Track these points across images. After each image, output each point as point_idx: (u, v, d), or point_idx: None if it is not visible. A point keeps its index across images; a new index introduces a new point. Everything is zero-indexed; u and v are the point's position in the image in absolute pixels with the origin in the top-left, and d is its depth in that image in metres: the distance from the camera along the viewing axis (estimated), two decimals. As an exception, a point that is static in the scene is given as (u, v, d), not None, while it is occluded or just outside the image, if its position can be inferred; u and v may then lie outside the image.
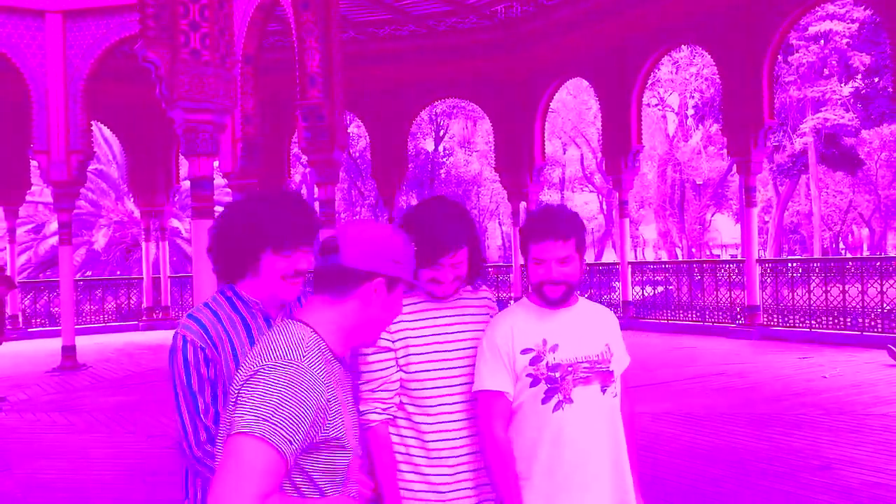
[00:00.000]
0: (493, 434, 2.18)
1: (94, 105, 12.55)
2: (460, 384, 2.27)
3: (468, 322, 2.32)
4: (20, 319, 16.53)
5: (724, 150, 18.30)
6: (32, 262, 25.12)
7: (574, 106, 34.59)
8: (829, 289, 12.45)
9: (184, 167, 16.46)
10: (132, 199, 21.23)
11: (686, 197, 35.14)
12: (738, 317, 13.51)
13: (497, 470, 2.18)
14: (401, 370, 2.25)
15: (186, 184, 16.96)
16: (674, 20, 13.64)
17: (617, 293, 16.18)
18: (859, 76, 27.71)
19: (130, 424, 7.60)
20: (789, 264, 13.97)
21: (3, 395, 9.21)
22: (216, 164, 9.25)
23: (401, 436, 2.26)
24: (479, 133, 37.85)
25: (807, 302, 12.66)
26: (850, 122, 28.25)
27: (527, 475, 2.19)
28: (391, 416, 2.25)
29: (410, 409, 2.26)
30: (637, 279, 15.98)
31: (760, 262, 13.75)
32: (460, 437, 2.26)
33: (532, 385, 2.19)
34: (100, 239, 25.02)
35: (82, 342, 13.03)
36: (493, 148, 19.69)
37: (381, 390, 2.22)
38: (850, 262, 13.83)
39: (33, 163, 13.88)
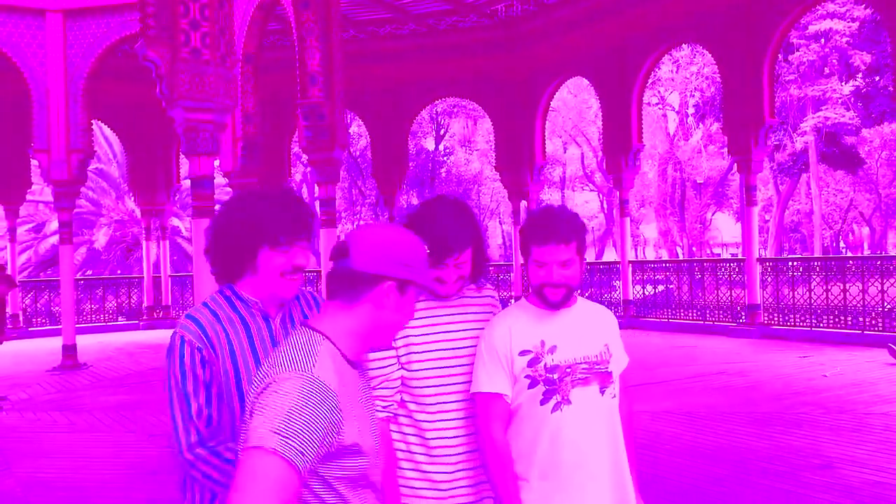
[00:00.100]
0: (491, 436, 2.18)
1: (95, 104, 12.55)
2: (461, 382, 2.27)
3: (471, 321, 2.33)
4: (21, 318, 16.53)
5: (725, 149, 18.27)
6: (33, 261, 25.13)
7: (574, 105, 34.55)
8: (829, 288, 12.44)
9: (184, 166, 16.46)
10: (133, 198, 21.23)
11: (686, 196, 35.12)
12: (739, 316, 13.50)
13: (495, 471, 2.18)
14: (402, 368, 2.25)
15: (187, 183, 16.99)
16: (674, 19, 13.63)
17: (617, 292, 16.18)
18: (860, 75, 27.68)
19: (131, 423, 7.61)
20: (790, 263, 13.96)
21: (3, 395, 9.21)
22: (217, 163, 9.26)
23: (402, 433, 2.27)
24: (479, 132, 37.82)
25: (807, 301, 12.66)
26: (850, 121, 28.24)
27: (525, 476, 2.19)
28: (392, 414, 2.25)
29: (412, 406, 2.27)
30: (637, 278, 15.97)
31: (761, 260, 13.75)
32: (461, 435, 2.26)
33: (530, 386, 2.18)
34: (100, 238, 25.03)
35: (83, 341, 13.04)
36: (493, 147, 19.68)
37: (382, 388, 2.22)
38: (851, 261, 13.83)
39: (34, 162, 13.88)
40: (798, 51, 27.85)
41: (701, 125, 34.25)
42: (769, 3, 12.29)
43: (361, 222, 38.08)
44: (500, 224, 42.38)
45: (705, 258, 28.37)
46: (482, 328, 2.31)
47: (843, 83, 28.24)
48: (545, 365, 2.18)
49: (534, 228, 2.22)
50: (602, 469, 2.19)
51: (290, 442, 1.42)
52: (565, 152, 39.13)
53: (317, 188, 11.27)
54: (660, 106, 35.28)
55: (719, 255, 45.29)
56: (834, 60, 28.09)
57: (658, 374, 9.07)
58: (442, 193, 2.58)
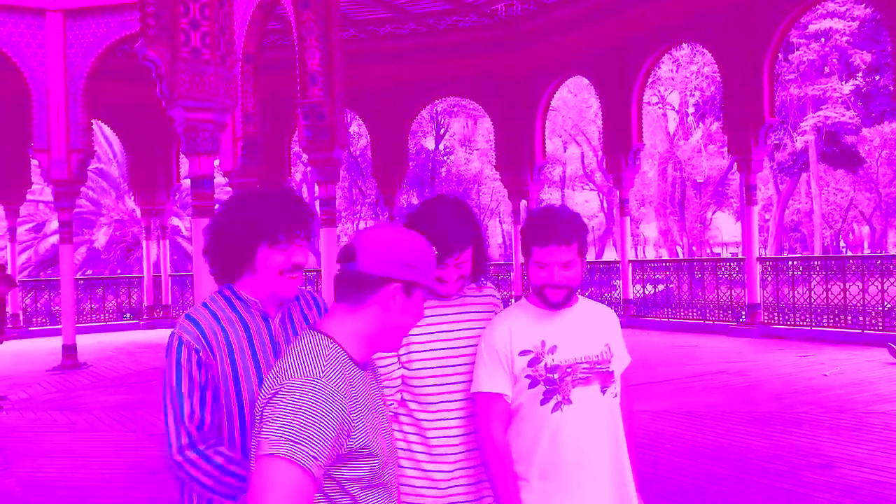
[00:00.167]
0: (491, 436, 2.19)
1: (95, 104, 12.54)
2: (462, 381, 2.28)
3: (471, 320, 2.33)
4: (21, 318, 16.54)
5: (725, 149, 18.26)
6: (33, 260, 25.13)
7: (575, 104, 34.54)
8: (829, 287, 12.45)
9: (184, 166, 16.46)
10: (133, 198, 21.24)
11: (687, 195, 35.11)
12: (739, 315, 13.50)
13: (495, 471, 2.19)
14: (403, 367, 2.26)
15: (187, 182, 16.98)
16: (674, 19, 13.63)
17: (617, 291, 16.18)
18: (860, 74, 27.67)
19: (131, 423, 7.61)
20: (790, 262, 13.95)
21: (3, 394, 9.21)
22: (217, 162, 9.26)
23: (403, 432, 2.27)
24: (479, 131, 37.81)
25: (807, 300, 12.66)
26: (850, 120, 28.22)
27: (526, 476, 2.19)
28: (392, 413, 2.26)
29: (412, 405, 2.27)
30: (638, 277, 15.97)
31: (761, 260, 13.75)
32: (461, 434, 2.27)
33: (531, 386, 2.18)
34: (100, 237, 25.04)
35: (83, 341, 13.04)
36: (493, 146, 19.68)
37: (383, 386, 2.22)
38: (851, 261, 13.83)
39: (34, 161, 13.88)
40: (798, 50, 27.83)
41: (701, 124, 34.24)
42: (769, 3, 12.29)
43: (362, 222, 38.09)
44: (501, 223, 42.38)
45: (705, 257, 28.36)
46: (483, 327, 2.31)
47: (843, 82, 28.24)
48: (545, 365, 2.18)
49: (535, 229, 2.22)
50: (603, 469, 2.19)
51: (303, 448, 1.44)
52: (565, 152, 39.11)
53: (317, 188, 11.27)
54: (660, 105, 35.27)
55: (719, 254, 45.29)
56: (834, 60, 28.07)
57: (658, 373, 9.07)
58: (442, 193, 2.58)
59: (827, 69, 28.60)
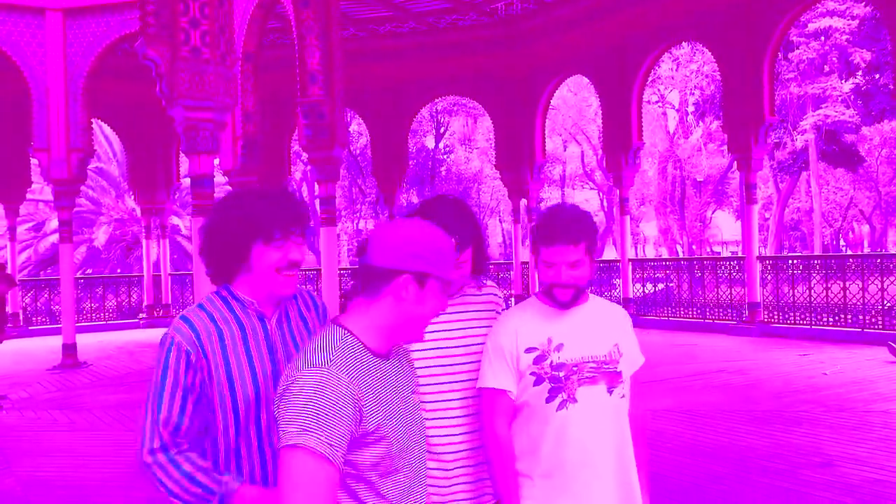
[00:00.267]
0: (494, 431, 2.19)
1: (95, 103, 12.54)
2: (461, 381, 2.27)
3: (470, 319, 2.33)
4: (21, 317, 16.53)
5: (725, 147, 18.27)
6: (33, 259, 25.14)
7: (574, 103, 34.52)
8: (829, 286, 12.45)
9: (184, 165, 16.47)
10: (132, 197, 21.23)
11: (686, 194, 35.11)
12: (739, 314, 13.51)
13: (497, 467, 2.19)
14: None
15: (187, 181, 16.96)
16: (674, 17, 13.62)
17: (617, 290, 16.18)
18: (860, 73, 27.64)
19: (131, 422, 7.60)
20: (790, 261, 13.96)
21: (3, 393, 9.21)
22: (217, 161, 9.26)
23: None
24: (479, 130, 37.81)
25: (807, 299, 12.67)
26: (850, 119, 28.21)
27: (529, 473, 2.20)
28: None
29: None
30: (638, 276, 15.98)
31: (761, 258, 13.76)
32: (461, 433, 2.27)
33: (536, 384, 2.18)
34: (100, 236, 25.04)
35: (83, 340, 13.04)
36: (493, 145, 19.68)
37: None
38: (851, 259, 13.84)
39: (34, 161, 13.89)
40: (798, 49, 27.82)
41: (701, 123, 34.23)
42: (769, 2, 12.29)
43: (361, 221, 38.09)
44: (501, 222, 42.40)
45: (705, 256, 28.36)
46: (483, 326, 2.32)
47: (842, 81, 28.22)
48: (551, 363, 2.18)
49: (543, 229, 2.22)
50: (607, 468, 2.18)
51: (317, 435, 1.50)
52: (565, 150, 39.10)
53: (317, 186, 11.29)
54: (660, 104, 35.26)
55: (719, 253, 45.28)
56: (834, 58, 28.05)
57: (658, 372, 9.07)
58: (442, 192, 2.59)
59: (827, 68, 28.59)
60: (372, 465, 1.63)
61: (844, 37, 27.01)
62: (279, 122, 16.53)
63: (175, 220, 24.06)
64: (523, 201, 17.53)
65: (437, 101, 25.96)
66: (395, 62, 16.76)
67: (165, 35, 7.04)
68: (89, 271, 24.71)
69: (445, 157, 39.12)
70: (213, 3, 7.14)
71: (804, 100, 29.14)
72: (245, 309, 1.99)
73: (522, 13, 15.99)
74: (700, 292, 14.71)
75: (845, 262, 13.10)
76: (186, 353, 1.89)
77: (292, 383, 1.57)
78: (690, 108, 34.45)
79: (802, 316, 12.65)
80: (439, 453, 2.24)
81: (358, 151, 33.12)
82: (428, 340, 2.25)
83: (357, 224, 38.49)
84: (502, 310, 2.45)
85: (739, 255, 19.47)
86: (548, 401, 2.17)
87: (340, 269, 17.10)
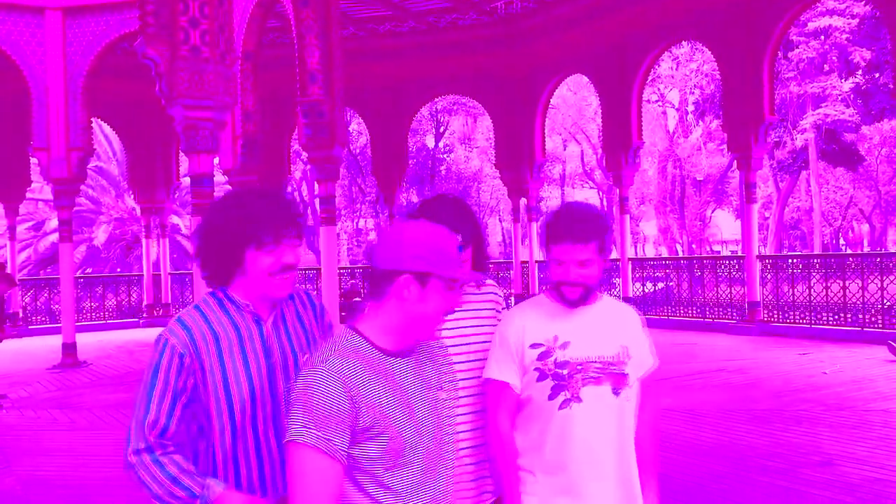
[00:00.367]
0: (496, 424, 2.21)
1: (94, 102, 12.53)
2: (461, 379, 2.27)
3: (470, 318, 2.33)
4: (20, 317, 16.53)
5: (725, 147, 18.27)
6: (32, 259, 25.14)
7: (574, 102, 34.53)
8: (829, 285, 12.46)
9: (184, 164, 16.46)
10: (132, 196, 21.22)
11: (686, 193, 35.11)
12: (739, 313, 13.50)
13: (497, 459, 2.21)
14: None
15: (187, 180, 16.96)
16: (674, 16, 13.62)
17: (617, 289, 16.17)
18: (859, 72, 27.66)
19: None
20: (790, 260, 13.97)
21: (3, 393, 9.21)
22: (216, 160, 9.26)
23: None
24: (479, 129, 37.81)
25: (807, 298, 12.67)
26: (850, 118, 28.22)
27: (532, 469, 2.20)
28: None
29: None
30: (637, 275, 15.98)
31: (761, 258, 13.76)
32: (462, 431, 2.26)
33: (539, 380, 2.18)
34: (100, 236, 25.04)
35: (83, 339, 13.02)
36: (493, 144, 19.67)
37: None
38: (851, 258, 13.83)
39: (33, 160, 13.87)
40: (798, 48, 27.83)
41: (701, 122, 34.24)
42: (769, 1, 12.28)
43: (361, 220, 38.10)
44: (500, 221, 42.39)
45: (705, 255, 28.38)
46: (483, 325, 2.32)
47: (842, 80, 28.23)
48: (555, 360, 2.17)
49: (554, 226, 2.21)
50: (609, 469, 2.18)
51: (315, 431, 1.59)
52: (565, 150, 39.11)
53: (316, 186, 11.29)
54: (659, 103, 35.27)
55: (719, 252, 45.27)
56: (833, 57, 28.06)
57: (658, 371, 9.05)
58: (442, 192, 2.59)
59: (826, 67, 28.60)
60: (375, 460, 1.66)
61: (844, 36, 27.02)
62: (279, 122, 16.52)
63: (175, 220, 24.05)
64: (523, 200, 17.54)
65: (436, 100, 25.94)
66: (395, 61, 16.75)
67: (165, 34, 7.04)
68: (89, 270, 24.71)
69: (445, 156, 39.13)
70: (213, 2, 7.14)
71: (804, 99, 29.14)
72: (241, 311, 1.98)
73: (522, 12, 15.99)
74: (700, 291, 14.71)
75: (845, 261, 13.11)
76: (180, 355, 1.89)
77: (297, 382, 1.65)
78: (690, 108, 34.45)
79: (802, 315, 12.65)
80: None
81: (358, 151, 33.11)
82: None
83: (357, 223, 38.50)
84: (503, 309, 2.45)
85: (739, 254, 19.48)
86: (550, 398, 2.17)
87: (340, 269, 17.12)
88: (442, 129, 37.75)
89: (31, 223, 26.33)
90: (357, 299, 15.48)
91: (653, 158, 35.44)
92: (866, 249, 41.79)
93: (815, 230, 32.63)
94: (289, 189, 30.83)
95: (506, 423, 2.21)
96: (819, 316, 12.44)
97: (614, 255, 15.71)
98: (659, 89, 33.90)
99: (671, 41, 15.27)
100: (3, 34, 11.77)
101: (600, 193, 39.64)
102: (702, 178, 35.56)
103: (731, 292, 14.05)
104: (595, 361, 2.18)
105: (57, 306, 15.91)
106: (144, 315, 17.99)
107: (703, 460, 5.50)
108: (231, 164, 11.23)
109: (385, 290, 1.72)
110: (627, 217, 16.21)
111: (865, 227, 44.24)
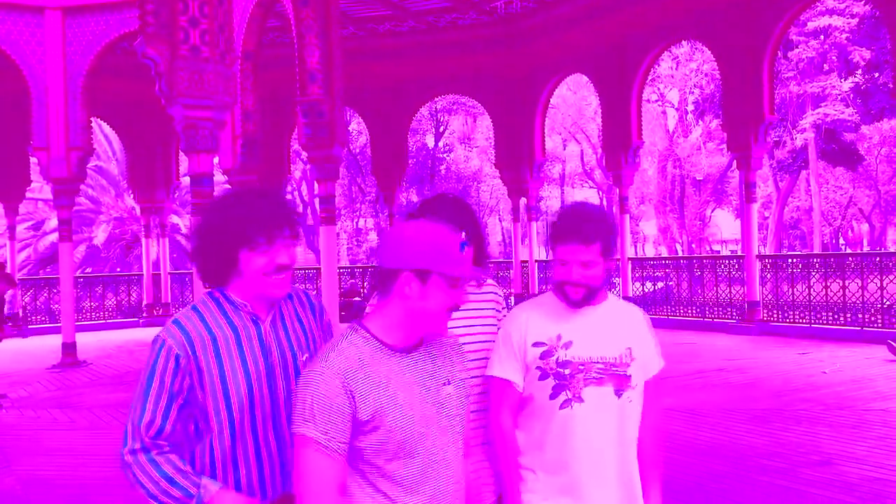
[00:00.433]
0: (498, 421, 2.22)
1: (94, 101, 12.52)
2: (462, 378, 2.28)
3: (471, 317, 2.34)
4: (20, 316, 16.52)
5: (724, 146, 18.28)
6: (32, 258, 25.13)
7: (574, 102, 34.52)
8: (828, 284, 12.46)
9: (184, 163, 16.46)
10: (132, 196, 21.19)
11: (686, 193, 35.11)
12: (739, 312, 13.51)
13: (499, 457, 2.23)
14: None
15: (186, 180, 16.96)
16: (674, 16, 13.62)
17: (617, 289, 16.17)
18: (859, 71, 27.65)
19: (131, 421, 7.60)
20: (789, 260, 13.98)
21: (3, 393, 9.21)
22: (216, 160, 9.25)
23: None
24: (479, 129, 37.81)
25: (807, 297, 12.68)
26: (850, 118, 28.22)
27: (533, 467, 2.21)
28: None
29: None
30: (637, 275, 15.98)
31: (760, 257, 13.76)
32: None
33: (540, 378, 2.19)
34: (100, 235, 25.03)
35: (82, 339, 13.02)
36: (493, 144, 19.66)
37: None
38: (850, 258, 13.84)
39: (33, 159, 13.87)
40: (797, 47, 27.83)
41: (700, 122, 34.23)
42: (769, 1, 12.29)
43: (361, 220, 38.09)
44: (500, 221, 42.39)
45: (705, 255, 28.41)
46: (483, 324, 2.34)
47: (842, 80, 28.23)
48: (557, 359, 2.18)
49: (558, 226, 2.22)
50: (609, 469, 2.18)
51: (312, 425, 1.67)
52: (565, 149, 39.11)
53: (316, 185, 11.29)
54: (659, 103, 35.26)
55: (719, 251, 45.26)
56: (833, 57, 28.06)
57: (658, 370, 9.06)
58: (442, 191, 2.59)
59: (826, 66, 28.60)
60: (376, 451, 1.73)
61: (844, 35, 27.02)
62: (279, 121, 16.53)
63: (175, 219, 24.04)
64: (523, 200, 17.53)
65: (436, 99, 25.93)
66: (395, 61, 16.75)
67: (165, 34, 7.04)
68: (89, 270, 24.70)
69: (445, 155, 39.11)
70: (213, 1, 7.14)
71: (804, 98, 29.15)
72: (238, 311, 1.99)
73: (522, 12, 15.99)
74: (699, 291, 14.72)
75: (844, 261, 13.11)
76: (176, 356, 1.89)
77: (303, 376, 1.74)
78: (690, 107, 34.44)
79: (802, 314, 12.66)
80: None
81: (357, 150, 33.11)
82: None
83: (357, 223, 38.49)
84: (503, 308, 2.46)
85: (739, 253, 19.48)
86: (551, 397, 2.17)
87: (340, 268, 17.12)
88: (442, 129, 37.74)
89: (30, 223, 26.31)
90: (357, 299, 15.49)
91: (653, 158, 35.43)
92: (866, 249, 41.79)
93: (814, 230, 32.64)
94: (289, 189, 30.84)
95: (508, 421, 2.22)
96: (818, 315, 12.45)
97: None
98: (659, 89, 33.90)
99: (671, 41, 15.27)
100: (3, 34, 11.77)
101: (600, 193, 39.64)
102: (701, 178, 35.56)
103: (730, 292, 14.05)
104: (597, 362, 2.18)
105: (57, 306, 15.91)
106: (144, 315, 17.99)
107: (702, 460, 5.50)
108: (231, 164, 11.23)
109: (389, 288, 1.78)
110: (627, 217, 16.20)
111: (865, 227, 44.24)
